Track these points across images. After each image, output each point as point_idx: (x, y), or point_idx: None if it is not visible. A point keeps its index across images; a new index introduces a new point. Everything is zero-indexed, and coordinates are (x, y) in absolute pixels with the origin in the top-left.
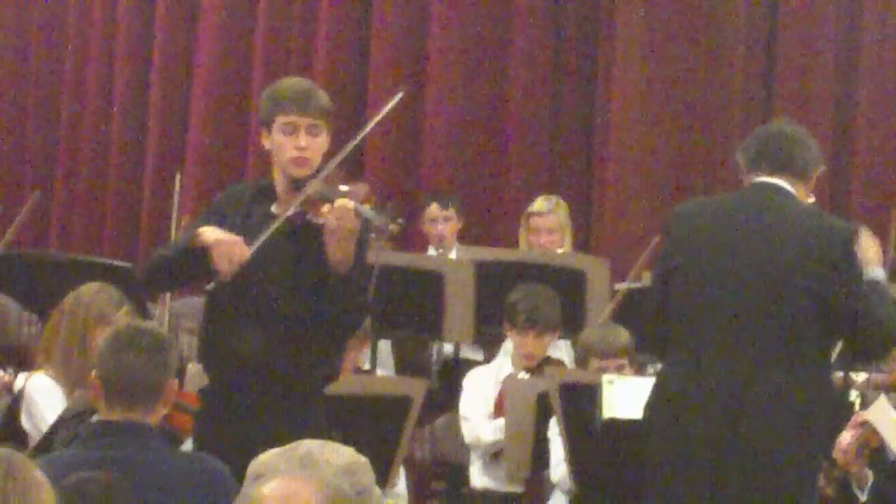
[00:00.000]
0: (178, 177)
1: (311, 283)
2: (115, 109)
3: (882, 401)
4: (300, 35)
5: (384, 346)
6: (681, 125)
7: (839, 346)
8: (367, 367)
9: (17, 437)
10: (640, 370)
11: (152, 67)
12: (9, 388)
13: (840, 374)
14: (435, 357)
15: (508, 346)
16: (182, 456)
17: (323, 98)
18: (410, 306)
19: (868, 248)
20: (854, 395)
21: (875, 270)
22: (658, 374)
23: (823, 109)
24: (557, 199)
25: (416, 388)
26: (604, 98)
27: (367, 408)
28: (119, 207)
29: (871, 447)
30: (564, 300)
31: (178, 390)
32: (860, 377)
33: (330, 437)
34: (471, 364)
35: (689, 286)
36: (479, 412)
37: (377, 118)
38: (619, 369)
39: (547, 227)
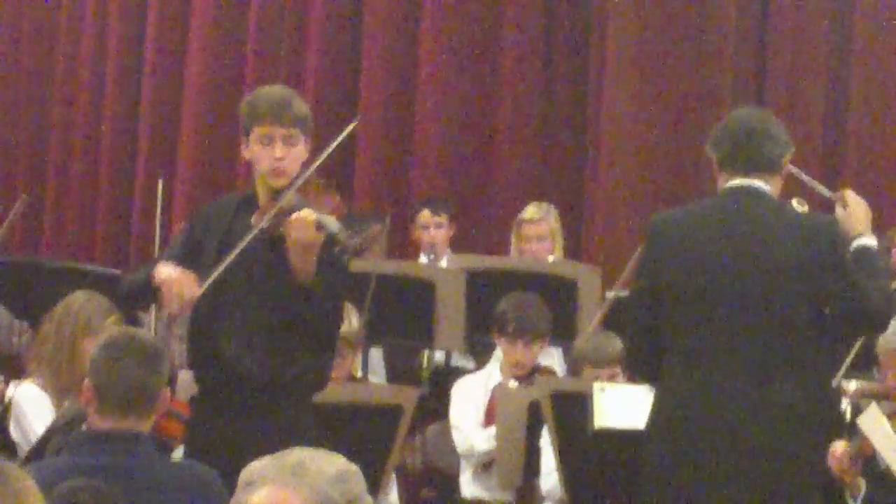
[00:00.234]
0: (160, 184)
1: (285, 292)
2: (105, 114)
3: (873, 409)
4: (291, 39)
5: (376, 353)
6: (672, 132)
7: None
8: (359, 374)
9: (5, 446)
10: (632, 378)
11: (143, 72)
12: (0, 397)
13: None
14: (425, 365)
15: (500, 354)
16: (173, 464)
17: (299, 107)
18: (402, 314)
19: (856, 208)
20: (845, 404)
21: (862, 238)
22: (658, 390)
23: (814, 109)
24: (548, 207)
25: (407, 397)
26: (595, 105)
27: (359, 416)
28: (110, 211)
29: (866, 455)
30: (556, 308)
31: (170, 398)
32: (851, 385)
33: (321, 445)
34: (462, 372)
35: (682, 303)
36: (470, 421)
37: (331, 148)
38: (612, 377)
39: (538, 234)
